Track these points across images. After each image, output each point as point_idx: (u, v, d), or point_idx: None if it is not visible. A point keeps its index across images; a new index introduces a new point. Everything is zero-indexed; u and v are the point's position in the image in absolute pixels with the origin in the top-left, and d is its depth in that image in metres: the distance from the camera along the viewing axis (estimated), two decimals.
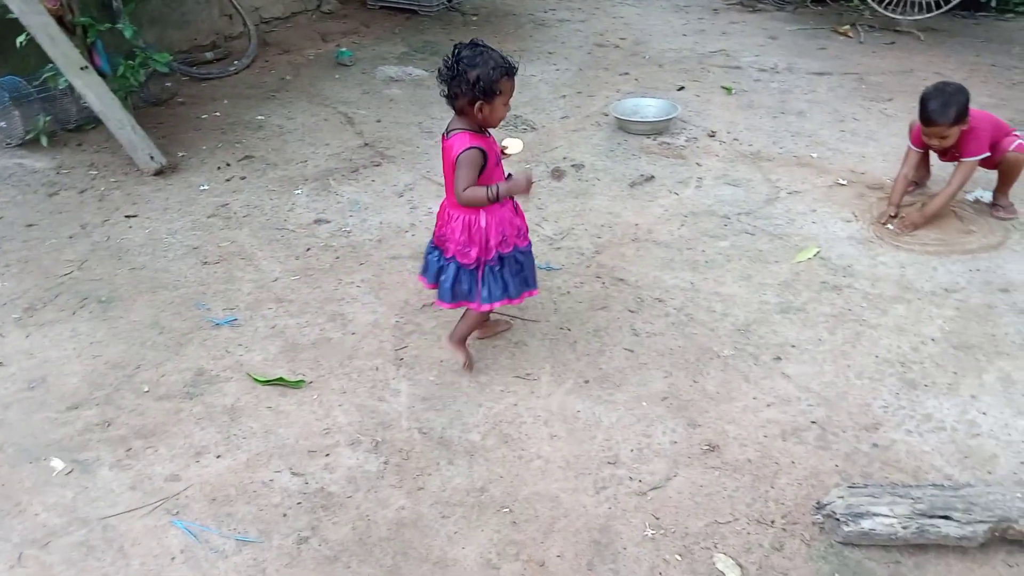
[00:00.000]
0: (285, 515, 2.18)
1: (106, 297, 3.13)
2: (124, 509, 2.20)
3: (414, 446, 2.42)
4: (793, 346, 2.80)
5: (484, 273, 2.50)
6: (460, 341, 2.69)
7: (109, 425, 2.50)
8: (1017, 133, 3.39)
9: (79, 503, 2.23)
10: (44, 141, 4.26)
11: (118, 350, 2.84)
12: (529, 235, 2.64)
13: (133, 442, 2.43)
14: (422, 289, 3.16)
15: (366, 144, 4.49)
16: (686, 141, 4.41)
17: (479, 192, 2.35)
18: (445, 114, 4.88)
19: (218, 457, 2.38)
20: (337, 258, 3.40)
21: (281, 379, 2.68)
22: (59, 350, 2.84)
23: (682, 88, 5.20)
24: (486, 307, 2.54)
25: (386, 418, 2.53)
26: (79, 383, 2.67)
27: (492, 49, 2.33)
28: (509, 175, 2.50)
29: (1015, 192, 3.55)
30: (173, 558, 2.06)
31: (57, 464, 2.35)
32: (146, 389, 2.65)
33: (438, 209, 2.57)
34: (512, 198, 2.54)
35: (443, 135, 2.44)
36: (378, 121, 4.78)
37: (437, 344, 2.84)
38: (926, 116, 3.25)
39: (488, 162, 2.40)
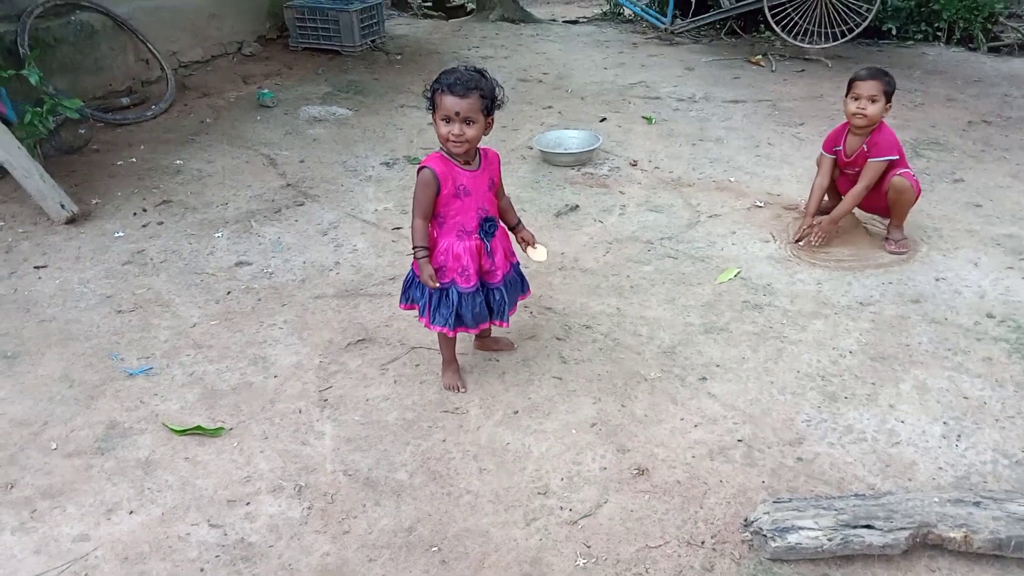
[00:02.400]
0: (202, 570, 2.08)
1: (11, 352, 2.98)
2: None
3: (339, 489, 2.35)
4: (718, 365, 2.84)
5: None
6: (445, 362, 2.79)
7: (12, 487, 2.35)
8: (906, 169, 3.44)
9: None
10: None
11: (24, 407, 2.69)
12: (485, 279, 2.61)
13: (38, 503, 2.29)
14: (346, 328, 3.12)
15: (289, 184, 4.43)
16: (609, 170, 4.49)
17: (415, 233, 2.47)
18: (369, 152, 4.90)
19: (131, 513, 2.26)
20: (259, 300, 3.32)
21: (199, 427, 2.58)
22: None
23: (604, 119, 5.31)
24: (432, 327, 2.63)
25: (310, 462, 2.45)
26: None
27: (469, 69, 2.34)
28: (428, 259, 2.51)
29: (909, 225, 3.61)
30: None
31: None
32: (54, 447, 2.51)
33: None
34: (487, 241, 2.54)
35: None
36: (301, 161, 4.73)
37: (362, 383, 2.79)
38: (861, 74, 3.31)
39: (443, 190, 2.40)
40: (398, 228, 3.91)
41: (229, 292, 3.38)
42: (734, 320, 3.09)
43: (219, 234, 3.86)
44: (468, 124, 2.30)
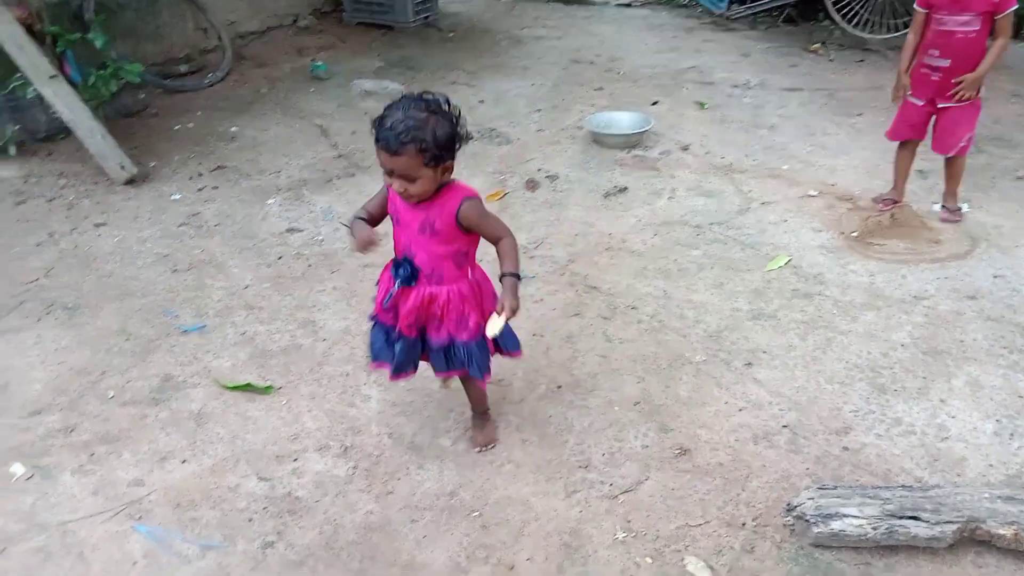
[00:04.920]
0: (251, 520, 2.14)
1: (72, 304, 3.08)
2: (85, 514, 2.15)
3: (384, 451, 2.39)
4: (764, 352, 2.81)
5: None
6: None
7: (72, 431, 2.44)
8: None
9: (38, 509, 2.17)
10: (12, 150, 4.21)
11: (83, 356, 2.78)
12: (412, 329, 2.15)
13: (96, 447, 2.38)
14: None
15: (340, 155, 4.47)
16: (659, 154, 4.45)
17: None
18: None
19: (183, 462, 2.33)
20: (309, 266, 3.38)
21: (249, 385, 2.64)
22: (22, 357, 2.78)
23: (656, 103, 5.25)
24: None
25: (356, 423, 2.50)
26: (42, 389, 2.62)
27: (414, 107, 1.87)
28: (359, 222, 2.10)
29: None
30: (135, 563, 2.01)
31: (17, 470, 2.29)
32: (111, 395, 2.60)
33: None
34: (396, 284, 2.09)
35: None
36: (353, 133, 4.77)
37: None
38: None
39: (389, 206, 2.08)
40: None
41: (280, 257, 3.44)
42: (783, 308, 3.06)
43: (271, 201, 3.93)
44: (409, 180, 1.87)
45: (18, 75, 4.02)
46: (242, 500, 2.20)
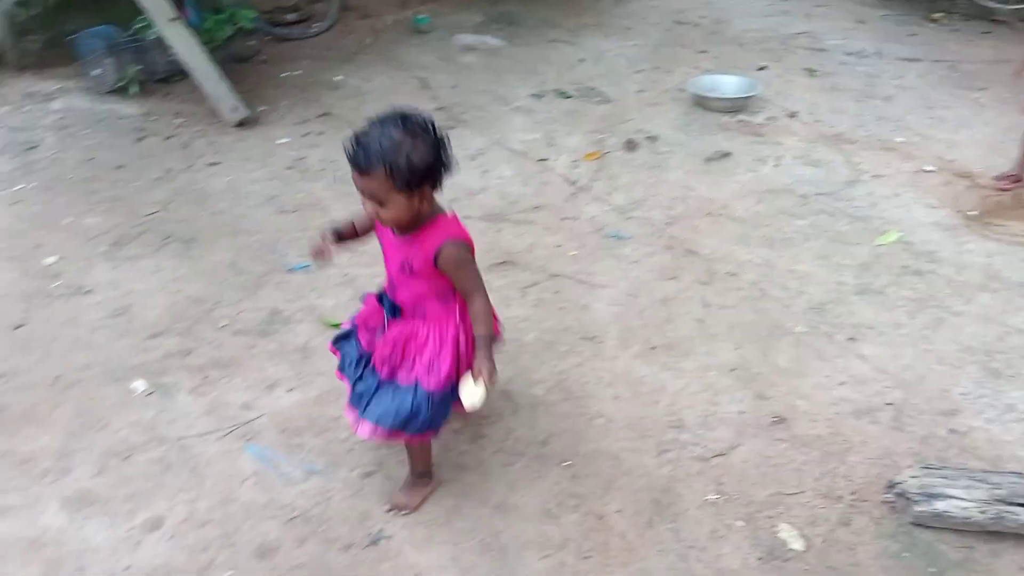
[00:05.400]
0: (351, 450, 2.23)
1: (188, 237, 3.24)
2: (200, 432, 2.28)
3: None
4: (870, 328, 2.72)
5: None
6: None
7: (188, 354, 2.59)
8: None
9: (158, 423, 2.32)
10: (134, 89, 4.41)
11: (198, 286, 2.93)
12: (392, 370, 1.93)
13: (210, 371, 2.52)
14: (490, 249, 3.19)
15: (440, 108, 4.51)
16: (765, 120, 4.31)
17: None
18: (519, 83, 4.91)
19: (289, 391, 2.44)
20: None
21: None
22: (143, 283, 2.95)
23: (763, 68, 5.07)
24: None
25: None
26: (161, 314, 2.78)
27: (391, 123, 1.67)
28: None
29: None
30: (244, 480, 2.13)
31: (139, 386, 2.45)
32: (223, 324, 2.73)
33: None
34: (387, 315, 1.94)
35: None
36: (453, 87, 4.80)
37: (503, 302, 2.85)
38: None
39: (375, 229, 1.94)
40: (544, 160, 3.93)
41: None
42: (892, 284, 2.94)
43: None
44: (380, 204, 1.69)
45: (141, 17, 4.20)
46: (344, 431, 2.28)
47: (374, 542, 1.98)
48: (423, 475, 2.10)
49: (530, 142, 4.11)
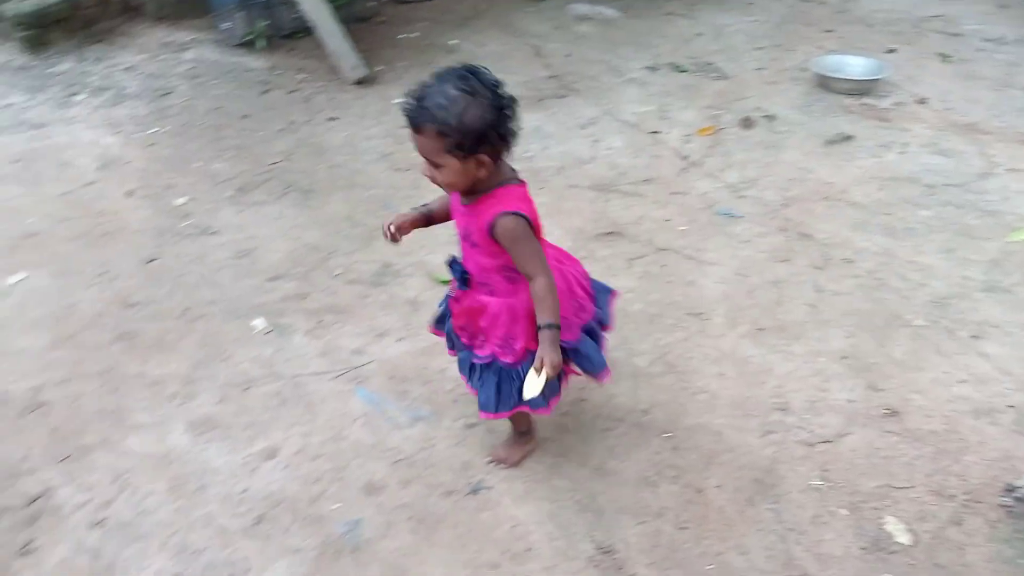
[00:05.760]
0: (455, 401, 2.29)
1: (307, 188, 3.37)
2: (314, 371, 2.40)
3: None
4: (995, 326, 2.58)
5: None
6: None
7: (305, 298, 2.71)
8: None
9: (276, 360, 2.44)
10: (261, 44, 4.59)
11: (316, 235, 3.05)
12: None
13: (324, 316, 2.63)
14: (598, 219, 3.19)
15: (553, 76, 4.50)
16: (892, 105, 4.11)
17: None
18: (633, 55, 4.84)
19: (399, 340, 2.52)
20: None
21: None
22: (266, 228, 3.09)
23: (892, 51, 4.81)
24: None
25: None
26: (281, 258, 2.91)
27: (452, 78, 1.55)
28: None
29: None
30: (355, 420, 2.23)
31: (259, 324, 2.59)
32: (338, 272, 2.84)
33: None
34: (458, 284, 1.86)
35: None
36: (567, 56, 4.77)
37: (609, 272, 2.85)
38: None
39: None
40: (655, 132, 3.87)
41: None
42: (1022, 283, 2.78)
43: None
44: (435, 166, 1.60)
45: None
46: (449, 383, 2.35)
47: (474, 491, 2.04)
48: (524, 434, 2.12)
49: (642, 114, 4.06)
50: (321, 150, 3.67)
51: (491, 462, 2.11)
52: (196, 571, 1.86)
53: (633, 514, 1.98)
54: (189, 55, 4.61)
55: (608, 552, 1.89)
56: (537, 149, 3.72)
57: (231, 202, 3.26)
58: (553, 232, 3.08)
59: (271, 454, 2.15)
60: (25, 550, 1.92)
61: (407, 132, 1.63)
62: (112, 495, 2.04)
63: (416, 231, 1.92)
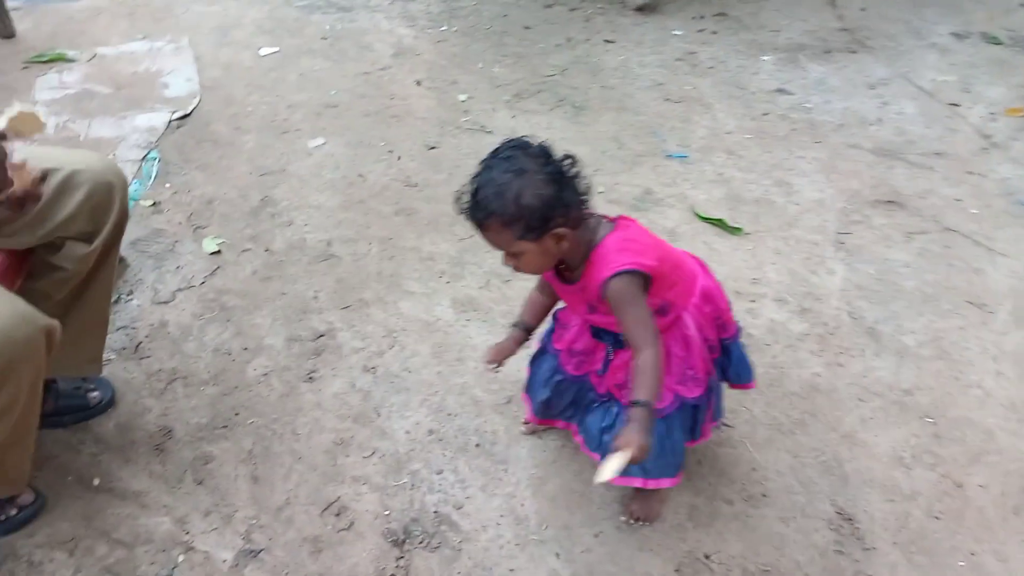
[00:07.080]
0: None
1: (579, 104, 3.42)
2: None
3: (841, 325, 2.35)
4: None
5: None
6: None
7: None
8: None
9: None
10: None
11: (583, 151, 3.08)
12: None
13: None
14: (877, 185, 2.98)
15: (844, 29, 4.18)
16: None
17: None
18: (940, 18, 4.36)
19: None
20: (793, 130, 3.30)
21: (721, 221, 2.74)
22: (536, 136, 3.18)
23: None
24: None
25: (817, 291, 2.47)
26: None
27: (494, 163, 1.44)
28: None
29: None
30: None
31: None
32: (601, 190, 2.89)
33: None
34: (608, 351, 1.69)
35: None
36: (862, 9, 4.40)
37: (884, 242, 2.67)
38: None
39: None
40: (955, 105, 3.51)
41: (766, 114, 3.41)
42: None
43: (766, 57, 3.86)
44: (514, 257, 1.48)
45: None
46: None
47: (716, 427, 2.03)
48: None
49: (941, 83, 3.68)
50: (596, 69, 3.69)
51: (628, 520, 1.83)
52: (449, 431, 2.03)
53: (882, 490, 1.89)
54: None
55: (849, 520, 1.83)
56: (818, 101, 3.50)
57: (507, 106, 3.39)
58: (825, 191, 2.93)
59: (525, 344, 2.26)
60: (309, 377, 2.19)
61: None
62: (384, 348, 2.26)
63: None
